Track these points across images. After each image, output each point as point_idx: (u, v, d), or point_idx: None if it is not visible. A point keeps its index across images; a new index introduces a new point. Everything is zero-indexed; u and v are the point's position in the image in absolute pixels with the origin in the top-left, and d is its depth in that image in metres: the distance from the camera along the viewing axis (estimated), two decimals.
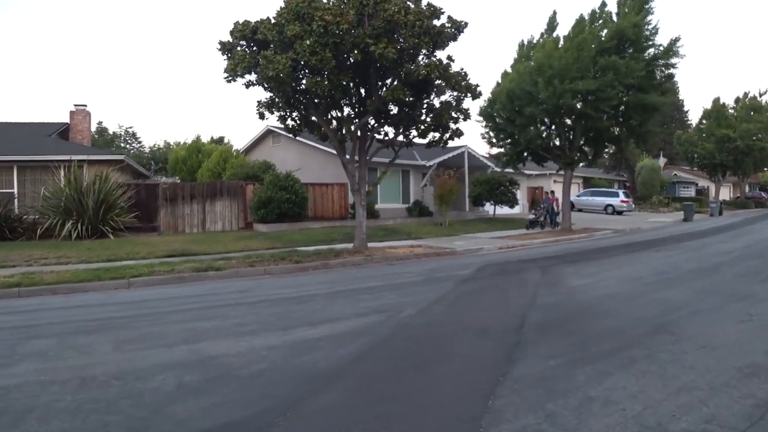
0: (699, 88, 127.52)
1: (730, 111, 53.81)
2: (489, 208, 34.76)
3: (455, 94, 18.86)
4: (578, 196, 43.98)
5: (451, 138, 19.91)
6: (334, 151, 26.75)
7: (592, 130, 26.46)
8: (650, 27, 25.20)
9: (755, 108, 51.98)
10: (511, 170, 37.50)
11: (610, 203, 41.77)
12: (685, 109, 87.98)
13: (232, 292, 10.93)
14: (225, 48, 16.93)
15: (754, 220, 34.99)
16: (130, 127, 66.57)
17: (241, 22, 16.70)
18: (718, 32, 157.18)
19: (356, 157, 19.02)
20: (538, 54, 25.73)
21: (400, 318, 8.20)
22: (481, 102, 28.69)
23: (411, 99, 17.74)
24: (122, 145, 60.21)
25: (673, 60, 25.75)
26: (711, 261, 14.99)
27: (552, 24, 27.65)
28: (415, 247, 19.57)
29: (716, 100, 53.32)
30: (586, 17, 26.11)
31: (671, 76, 25.96)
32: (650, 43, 25.54)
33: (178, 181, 32.14)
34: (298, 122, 19.24)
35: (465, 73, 18.73)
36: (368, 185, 20.47)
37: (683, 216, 37.76)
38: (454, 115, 19.22)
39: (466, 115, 19.33)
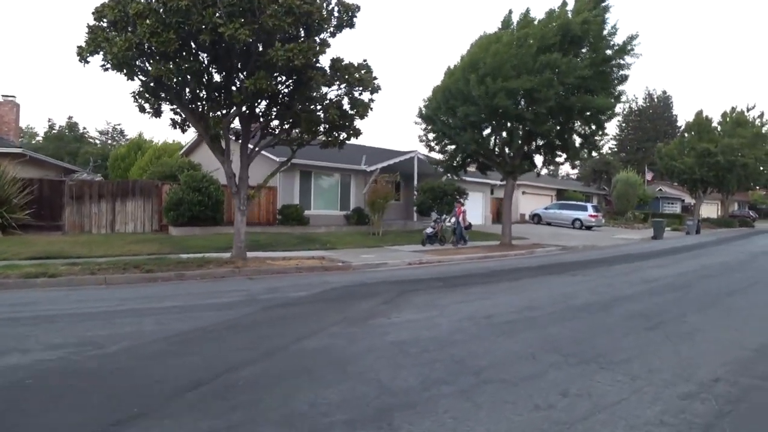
0: (698, 105, 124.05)
1: (715, 125, 50.50)
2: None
3: (345, 87, 16.12)
4: (546, 209, 40.86)
5: (348, 137, 17.01)
6: (271, 155, 24.14)
7: (535, 135, 23.31)
8: (608, 26, 22.10)
9: (741, 123, 48.67)
10: (477, 178, 34.50)
11: (578, 217, 38.56)
12: (678, 124, 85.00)
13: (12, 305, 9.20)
14: (90, 31, 14.34)
15: (725, 241, 31.79)
16: (118, 124, 65.00)
17: (102, 2, 14.08)
18: (722, 50, 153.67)
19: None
20: (475, 49, 22.67)
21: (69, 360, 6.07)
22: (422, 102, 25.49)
23: (287, 90, 15.15)
24: (96, 142, 57.79)
25: (628, 60, 22.61)
26: (617, 293, 12.02)
27: (507, 23, 24.53)
28: (310, 259, 17.24)
29: (699, 113, 50.07)
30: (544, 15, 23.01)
31: (625, 77, 22.69)
32: (605, 42, 22.31)
33: (100, 178, 29.30)
34: (183, 116, 16.43)
35: (362, 64, 15.99)
36: (254, 189, 17.35)
37: (653, 233, 34.48)
38: (351, 111, 16.48)
39: (363, 112, 16.47)
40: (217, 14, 12.90)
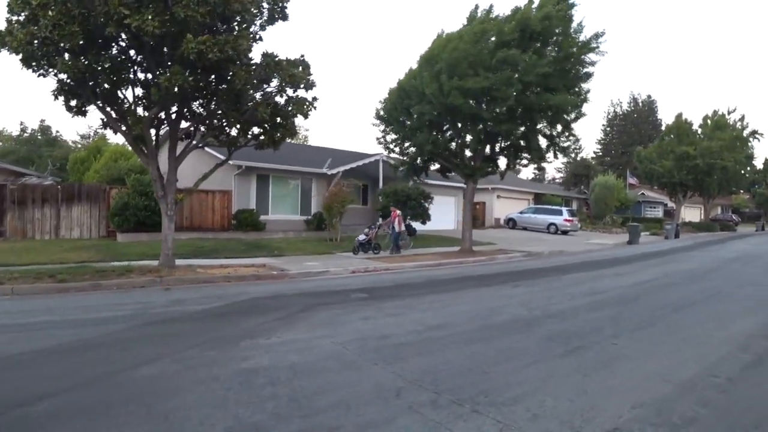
0: (683, 109, 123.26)
1: (695, 129, 49.42)
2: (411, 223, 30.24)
3: (279, 84, 14.86)
4: (521, 213, 39.54)
5: (283, 137, 15.73)
6: (220, 154, 22.77)
7: (496, 136, 22.00)
8: (575, 23, 20.81)
9: (721, 126, 47.57)
10: (449, 181, 33.21)
11: (553, 222, 37.27)
12: (663, 128, 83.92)
13: None
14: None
15: (700, 246, 30.56)
16: (101, 128, 63.63)
17: None
18: (707, 54, 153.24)
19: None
20: (433, 46, 21.38)
21: None
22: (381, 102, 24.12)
23: (211, 87, 13.91)
24: (75, 145, 56.32)
25: (593, 57, 21.35)
26: (552, 307, 10.70)
27: (473, 19, 23.16)
28: (249, 266, 16.19)
29: (678, 116, 48.98)
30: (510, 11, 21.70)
31: (589, 75, 21.41)
32: (570, 39, 21.02)
33: (50, 182, 27.84)
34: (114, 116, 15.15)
35: (299, 60, 14.74)
36: (180, 194, 16.00)
37: (628, 238, 33.24)
38: (288, 109, 15.24)
39: (304, 110, 15.22)
40: (123, 4, 11.58)
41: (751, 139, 50.77)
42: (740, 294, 12.62)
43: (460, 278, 15.26)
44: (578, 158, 75.11)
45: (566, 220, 37.12)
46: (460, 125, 21.64)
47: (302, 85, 15.11)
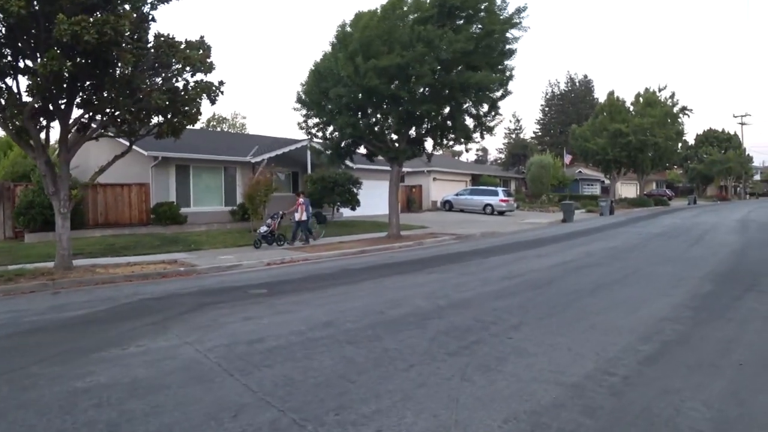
0: (618, 89, 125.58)
1: (628, 106, 49.81)
2: (345, 210, 29.26)
3: (175, 68, 13.60)
4: (457, 195, 38.96)
5: (182, 124, 14.47)
6: (141, 149, 21.41)
7: (419, 117, 21.10)
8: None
9: (651, 103, 48.04)
10: (384, 165, 32.22)
11: (489, 203, 36.81)
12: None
13: None
14: None
15: (631, 222, 30.55)
16: None
17: None
18: (641, 34, 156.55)
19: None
20: (347, 24, 20.26)
21: None
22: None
23: (98, 73, 12.48)
24: None
25: (515, 33, 20.65)
26: (459, 296, 9.97)
27: None
28: (159, 263, 15.10)
29: (611, 94, 49.27)
30: None
31: (511, 52, 20.69)
32: (494, 16, 20.19)
33: None
34: None
35: (199, 41, 13.52)
36: (76, 189, 14.58)
37: (563, 217, 33.02)
38: (190, 95, 14.06)
39: (204, 94, 14.02)
40: None
41: (681, 115, 51.50)
42: (661, 272, 12.11)
43: (377, 266, 14.39)
44: (518, 138, 75.44)
45: (502, 200, 36.72)
46: (379, 107, 20.60)
47: (201, 69, 13.87)
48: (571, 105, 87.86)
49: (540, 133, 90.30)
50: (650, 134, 44.50)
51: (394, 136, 22.14)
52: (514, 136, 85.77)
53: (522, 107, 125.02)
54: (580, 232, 23.81)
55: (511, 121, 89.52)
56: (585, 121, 53.42)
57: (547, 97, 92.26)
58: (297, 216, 19.48)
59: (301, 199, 19.89)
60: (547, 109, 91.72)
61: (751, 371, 5.59)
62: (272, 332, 7.44)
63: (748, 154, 79.96)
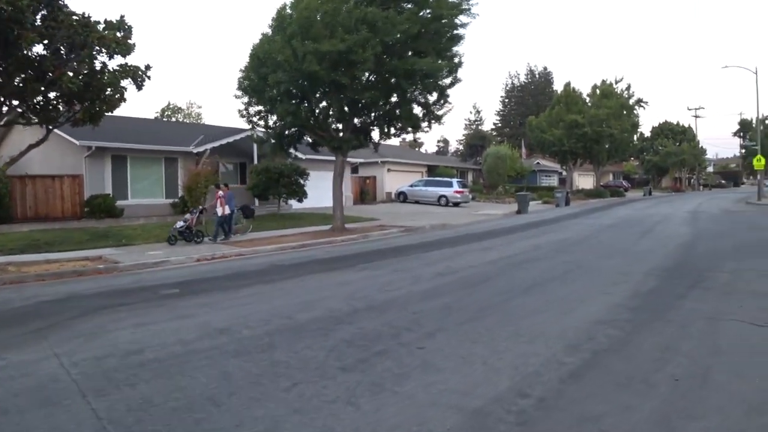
0: (577, 80, 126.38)
1: (584, 97, 49.64)
2: (296, 202, 28.04)
3: (89, 49, 12.37)
4: (411, 186, 38.10)
5: (100, 112, 13.20)
6: (73, 138, 19.99)
7: (367, 105, 20.10)
8: None
9: (607, 95, 47.92)
10: (333, 156, 31.14)
11: (444, 194, 36.04)
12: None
13: None
14: None
15: (585, 213, 30.12)
16: None
17: None
18: (600, 26, 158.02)
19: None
20: (285, 4, 19.09)
21: None
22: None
23: None
24: None
25: (463, 19, 19.79)
26: (383, 296, 9.12)
27: None
28: (82, 260, 14.14)
29: (567, 85, 49.12)
30: None
31: (458, 38, 19.82)
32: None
33: None
34: None
35: (119, 22, 12.27)
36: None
37: (517, 208, 32.43)
38: (106, 78, 12.77)
39: (129, 73, 12.78)
40: None
41: (636, 107, 51.60)
42: (605, 266, 11.35)
43: (309, 262, 13.42)
44: (477, 129, 75.06)
45: (457, 191, 36.01)
46: (320, 94, 19.52)
47: (117, 50, 12.61)
48: (530, 97, 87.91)
49: (500, 125, 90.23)
50: (606, 126, 44.32)
51: (338, 125, 21.06)
52: (474, 127, 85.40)
53: (483, 99, 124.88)
54: (532, 224, 23.16)
55: (471, 113, 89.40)
56: (544, 112, 53.16)
57: (507, 88, 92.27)
58: (219, 210, 17.89)
59: (220, 192, 18.19)
60: (507, 100, 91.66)
61: (686, 388, 4.76)
62: (157, 341, 6.49)
63: (702, 147, 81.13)
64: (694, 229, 18.93)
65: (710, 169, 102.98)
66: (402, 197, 38.11)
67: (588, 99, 49.78)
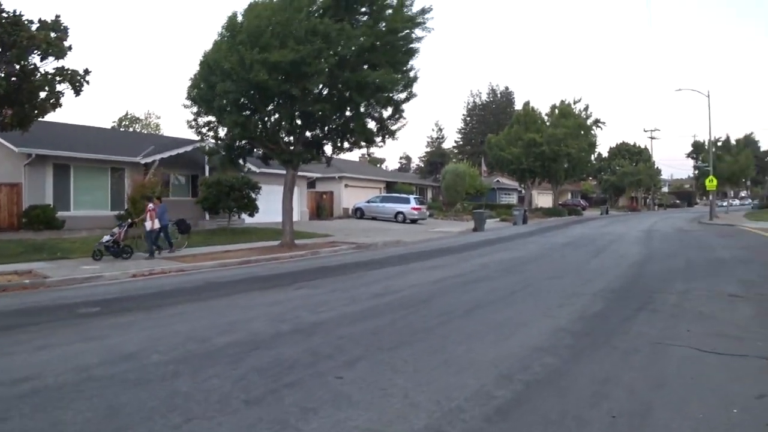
0: (538, 101, 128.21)
1: (543, 117, 49.96)
2: (248, 217, 27.12)
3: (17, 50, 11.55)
4: (368, 202, 37.52)
5: (30, 117, 12.29)
6: (12, 145, 18.84)
7: (322, 118, 19.50)
8: None
9: (566, 114, 48.28)
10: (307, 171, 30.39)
11: (401, 210, 35.55)
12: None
13: None
14: None
15: (541, 232, 29.95)
16: None
17: None
18: (561, 47, 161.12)
19: None
20: (246, 14, 18.41)
21: None
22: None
23: None
24: None
25: (419, 33, 19.42)
26: (311, 318, 8.45)
27: None
28: (7, 275, 13.21)
29: (526, 104, 49.41)
30: None
31: (413, 51, 19.40)
32: (398, 13, 18.81)
33: None
34: None
35: (53, 22, 11.47)
36: None
37: (474, 226, 32.08)
38: (42, 81, 12.04)
39: (67, 77, 11.99)
40: None
41: (594, 127, 52.14)
42: (554, 287, 10.86)
43: (248, 280, 12.69)
44: (439, 147, 75.06)
45: (414, 208, 35.55)
46: (270, 105, 18.85)
47: (50, 52, 11.78)
48: (492, 115, 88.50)
49: (461, 143, 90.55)
50: (564, 145, 44.55)
51: (289, 138, 20.39)
52: (436, 144, 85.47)
53: (446, 117, 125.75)
54: (487, 242, 22.76)
55: (433, 130, 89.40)
56: (503, 131, 53.38)
57: (469, 107, 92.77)
58: (148, 225, 16.49)
59: (150, 205, 16.95)
60: (468, 119, 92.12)
61: (623, 426, 4.21)
62: (53, 367, 5.79)
63: (657, 167, 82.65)
64: (646, 249, 18.73)
65: (665, 189, 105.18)
66: (359, 213, 37.49)
67: (547, 118, 50.09)
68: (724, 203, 71.80)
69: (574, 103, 51.32)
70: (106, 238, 15.63)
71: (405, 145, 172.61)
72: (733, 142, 61.79)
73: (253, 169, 28.56)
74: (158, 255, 16.83)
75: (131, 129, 68.15)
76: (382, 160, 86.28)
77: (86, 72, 12.87)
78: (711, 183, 39.84)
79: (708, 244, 20.48)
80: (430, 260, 15.98)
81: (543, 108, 54.13)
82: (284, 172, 29.84)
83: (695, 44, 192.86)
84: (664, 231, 29.01)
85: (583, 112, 51.17)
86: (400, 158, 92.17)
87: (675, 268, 13.92)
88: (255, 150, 21.38)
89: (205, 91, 18.77)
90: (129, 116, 73.48)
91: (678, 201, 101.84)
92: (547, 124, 48.99)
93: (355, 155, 69.95)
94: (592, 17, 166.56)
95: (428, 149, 76.67)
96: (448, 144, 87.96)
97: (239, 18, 18.22)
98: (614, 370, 5.63)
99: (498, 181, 63.15)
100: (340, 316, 8.34)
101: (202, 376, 5.54)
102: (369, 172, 47.78)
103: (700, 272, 13.05)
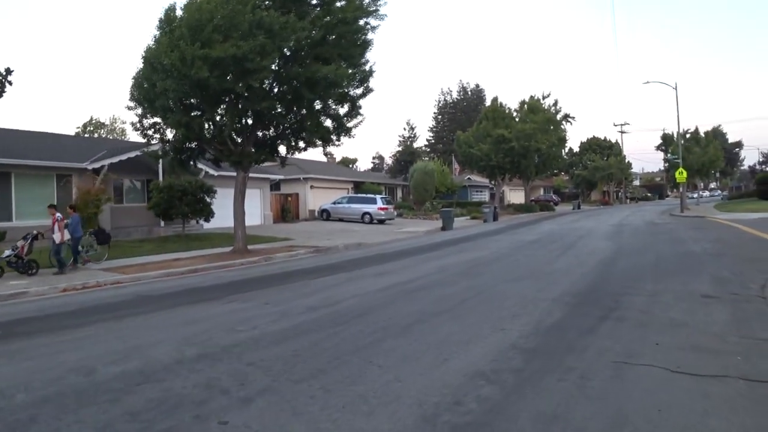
0: (508, 98, 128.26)
1: (513, 112, 49.17)
2: (206, 222, 25.75)
3: None
4: (334, 203, 36.30)
5: None
6: None
7: (275, 117, 18.28)
8: None
9: (534, 110, 47.51)
10: (252, 172, 29.07)
11: (367, 211, 34.39)
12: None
13: None
14: None
15: (510, 229, 28.99)
16: None
17: None
18: (533, 45, 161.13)
19: None
20: (186, 8, 17.08)
21: None
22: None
23: None
24: None
25: (373, 22, 18.28)
26: (225, 339, 7.28)
27: None
28: None
29: (494, 100, 48.52)
30: None
31: (367, 43, 18.25)
32: (350, 3, 17.64)
33: None
34: None
35: None
36: None
37: (442, 224, 31.04)
38: None
39: None
40: None
41: (564, 122, 51.50)
42: (511, 292, 9.76)
43: (181, 292, 11.51)
44: (409, 146, 74.13)
45: (381, 208, 34.41)
46: (216, 104, 17.54)
47: None
48: (462, 113, 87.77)
49: (433, 141, 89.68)
50: (534, 140, 43.75)
51: (239, 138, 19.08)
52: (408, 143, 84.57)
53: (418, 116, 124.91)
54: (452, 242, 21.69)
55: (405, 129, 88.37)
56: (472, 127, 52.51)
57: (440, 105, 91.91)
58: (56, 237, 14.51)
59: (58, 215, 15.01)
60: (440, 117, 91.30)
61: None
62: None
63: (628, 161, 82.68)
64: (615, 244, 17.81)
65: (636, 182, 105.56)
66: (325, 215, 36.27)
67: (516, 114, 49.32)
68: (695, 195, 71.90)
69: (543, 98, 50.63)
70: (7, 252, 13.96)
71: (378, 144, 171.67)
72: (701, 134, 61.66)
73: (211, 172, 27.27)
74: (82, 266, 15.32)
75: (96, 135, 66.07)
76: (354, 160, 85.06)
77: (8, 71, 11.52)
78: (681, 175, 39.33)
79: (679, 238, 19.64)
80: (386, 264, 14.85)
81: (514, 105, 53.50)
82: (249, 175, 28.58)
83: (661, 38, 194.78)
84: (634, 225, 28.25)
85: (553, 107, 50.49)
86: (373, 158, 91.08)
87: (644, 264, 12.96)
88: (207, 152, 20.01)
89: (148, 90, 17.39)
90: (94, 121, 71.41)
91: (649, 194, 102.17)
92: (516, 119, 48.15)
93: (322, 155, 68.47)
94: (560, 14, 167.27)
95: (400, 148, 75.65)
96: (421, 143, 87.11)
97: (179, 12, 16.81)
98: (565, 404, 4.52)
99: (469, 178, 62.30)
100: (260, 336, 7.15)
101: (64, 421, 4.43)
102: (336, 172, 46.54)
103: (670, 269, 12.09)
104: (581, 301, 8.83)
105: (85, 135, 63.12)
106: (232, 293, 10.91)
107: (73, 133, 58.27)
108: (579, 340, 6.50)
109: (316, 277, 12.70)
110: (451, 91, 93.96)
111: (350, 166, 78.00)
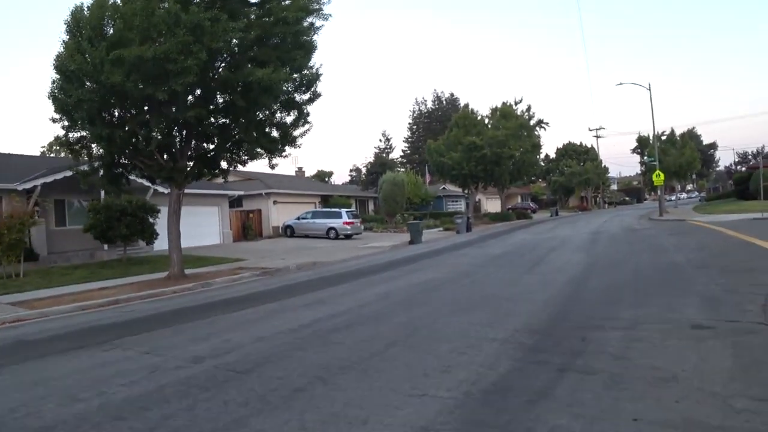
0: (481, 107, 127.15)
1: (484, 119, 47.47)
2: (157, 243, 23.66)
3: None
4: (299, 219, 34.19)
5: None
6: None
7: (198, 127, 16.18)
8: None
9: (506, 115, 45.84)
10: (211, 188, 26.88)
11: (332, 226, 32.38)
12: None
13: None
14: None
15: (481, 240, 27.17)
16: None
17: None
18: (506, 52, 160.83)
19: None
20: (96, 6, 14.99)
21: None
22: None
23: None
24: None
25: (317, 22, 16.39)
26: (62, 412, 4.96)
27: None
28: None
29: (465, 107, 46.96)
30: None
31: (310, 44, 16.31)
32: (295, 3, 15.69)
33: None
34: None
35: None
36: None
37: (410, 238, 29.01)
38: None
39: None
40: None
41: (537, 128, 50.00)
42: (453, 329, 7.71)
43: (69, 335, 9.59)
44: (385, 157, 72.39)
45: (346, 222, 32.37)
46: (136, 113, 15.40)
47: None
48: (437, 123, 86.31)
49: (408, 151, 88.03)
50: (507, 147, 41.99)
51: (168, 152, 16.94)
52: (384, 154, 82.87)
53: (393, 127, 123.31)
54: (413, 258, 19.71)
55: (381, 140, 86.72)
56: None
57: (415, 115, 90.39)
58: None
59: None
60: (414, 127, 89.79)
61: None
62: None
63: (605, 166, 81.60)
64: (590, 257, 15.90)
65: (614, 187, 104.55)
66: (290, 231, 34.14)
67: (488, 121, 47.65)
68: (673, 197, 70.75)
69: (516, 103, 49.12)
70: None
71: (356, 157, 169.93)
72: (677, 136, 60.46)
73: (161, 190, 25.02)
74: None
75: (63, 154, 63.21)
76: (330, 174, 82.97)
77: None
78: (658, 178, 37.78)
79: (660, 246, 17.78)
80: (326, 289, 12.80)
81: (486, 111, 51.84)
82: (201, 191, 26.35)
83: (634, 40, 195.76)
84: (612, 232, 26.44)
85: (526, 113, 48.94)
86: (350, 171, 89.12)
87: (621, 283, 11.01)
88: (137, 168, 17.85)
89: (64, 101, 15.25)
90: (60, 139, 68.30)
91: (627, 198, 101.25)
92: (489, 126, 46.46)
93: (290, 169, 65.91)
94: (530, 20, 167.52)
95: (372, 160, 73.77)
96: (397, 154, 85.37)
97: (85, 12, 14.73)
98: None
99: (444, 188, 60.46)
100: (104, 405, 5.15)
101: None
102: (301, 186, 44.35)
103: (651, 287, 10.14)
104: (539, 341, 6.81)
105: (51, 155, 60.40)
106: (124, 336, 8.79)
107: (38, 153, 55.57)
108: (524, 413, 4.46)
109: (236, 311, 10.61)
110: (425, 100, 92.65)
111: (326, 179, 75.83)
